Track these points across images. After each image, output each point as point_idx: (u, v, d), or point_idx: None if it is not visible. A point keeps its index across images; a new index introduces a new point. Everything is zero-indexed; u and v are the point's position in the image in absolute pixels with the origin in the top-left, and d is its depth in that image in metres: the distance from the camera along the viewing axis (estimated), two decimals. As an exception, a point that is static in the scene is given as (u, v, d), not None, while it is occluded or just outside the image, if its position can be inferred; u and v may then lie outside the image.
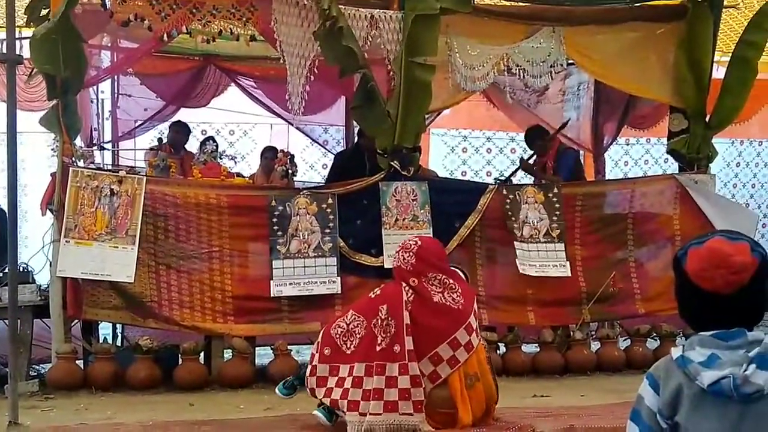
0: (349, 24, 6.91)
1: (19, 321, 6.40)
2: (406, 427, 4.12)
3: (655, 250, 7.82)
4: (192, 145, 8.80)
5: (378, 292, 4.41)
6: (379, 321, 4.18)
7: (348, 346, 4.30)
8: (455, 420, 4.19)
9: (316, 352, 4.53)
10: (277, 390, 5.03)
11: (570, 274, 7.48)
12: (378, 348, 4.18)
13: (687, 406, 1.99)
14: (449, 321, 4.19)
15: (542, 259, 7.45)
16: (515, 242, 7.38)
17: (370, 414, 4.14)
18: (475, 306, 4.36)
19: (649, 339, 7.59)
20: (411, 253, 4.28)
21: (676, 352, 2.06)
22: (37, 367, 7.22)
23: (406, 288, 4.23)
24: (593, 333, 7.79)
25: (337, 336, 4.36)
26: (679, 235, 7.72)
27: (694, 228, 7.38)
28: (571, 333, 7.41)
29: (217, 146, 7.98)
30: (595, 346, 7.59)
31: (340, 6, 6.91)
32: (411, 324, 4.15)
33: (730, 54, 8.09)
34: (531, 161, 8.77)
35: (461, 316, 4.21)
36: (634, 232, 7.80)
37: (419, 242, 4.38)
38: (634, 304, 7.65)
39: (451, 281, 4.29)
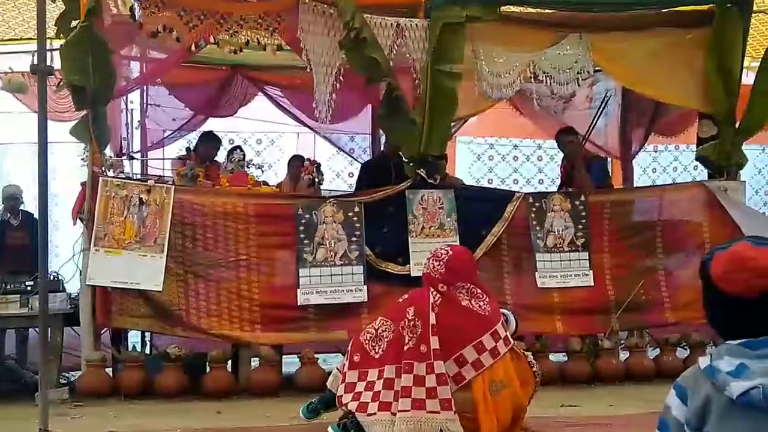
0: (374, 33, 6.93)
1: (49, 329, 6.48)
2: (433, 425, 4.13)
3: (685, 258, 7.74)
4: (219, 155, 8.86)
5: (405, 297, 4.45)
6: (407, 322, 4.21)
7: (377, 350, 4.33)
8: (477, 426, 4.17)
9: (347, 360, 4.55)
10: (300, 413, 5.04)
11: (593, 284, 7.44)
12: (406, 348, 4.20)
13: (715, 417, 1.96)
14: (475, 324, 4.21)
15: (564, 269, 7.42)
16: (537, 253, 7.37)
17: (400, 411, 4.16)
18: (503, 318, 4.36)
19: (678, 348, 7.51)
20: (441, 263, 4.31)
21: (704, 361, 2.03)
22: (67, 375, 7.28)
23: (434, 292, 4.26)
24: (622, 342, 7.72)
25: (366, 341, 4.40)
26: (709, 243, 7.63)
27: (723, 236, 7.29)
28: (600, 342, 7.35)
29: (244, 155, 8.03)
30: (624, 355, 7.52)
31: (366, 15, 6.94)
32: (437, 325, 4.16)
33: (760, 59, 8.00)
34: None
35: (487, 322, 4.23)
36: (663, 240, 7.73)
37: (450, 252, 4.39)
38: (663, 313, 7.58)
39: (479, 290, 4.31)
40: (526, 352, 4.52)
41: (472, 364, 4.13)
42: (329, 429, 4.59)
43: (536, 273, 7.36)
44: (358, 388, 4.39)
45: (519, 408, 4.33)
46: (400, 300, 4.48)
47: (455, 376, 4.16)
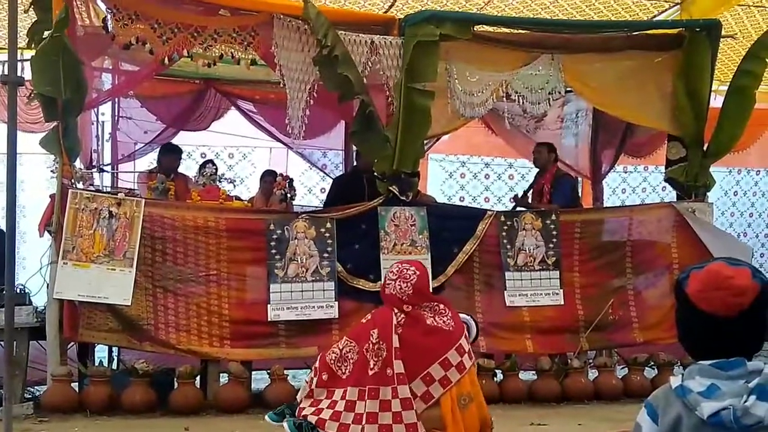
0: (348, 50, 6.95)
1: (15, 343, 6.37)
2: None
3: (653, 278, 7.82)
4: (189, 168, 8.79)
5: (369, 317, 4.41)
6: (371, 345, 4.17)
7: (343, 371, 4.29)
8: None
9: (315, 376, 4.51)
10: (267, 417, 4.99)
11: (563, 303, 7.48)
12: (370, 372, 4.16)
13: (686, 437, 1.98)
14: (440, 341, 4.18)
15: (535, 288, 7.46)
16: (506, 272, 7.41)
17: None
18: (466, 331, 4.35)
19: (646, 368, 7.57)
20: (409, 285, 4.24)
21: (675, 381, 2.05)
22: (32, 390, 7.17)
23: (398, 313, 4.22)
24: (591, 361, 7.77)
25: (332, 362, 4.36)
26: (677, 263, 7.73)
27: (692, 256, 7.39)
28: (569, 361, 7.38)
29: (216, 169, 7.98)
30: (592, 374, 7.56)
31: (340, 31, 6.95)
32: (402, 346, 4.14)
33: (728, 83, 8.14)
34: (526, 194, 8.71)
35: (452, 337, 4.19)
36: (632, 260, 7.80)
37: (417, 272, 4.34)
38: (631, 332, 7.64)
39: (441, 306, 4.29)
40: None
41: (440, 381, 4.10)
42: (267, 417, 4.49)
43: (505, 291, 7.39)
44: (321, 404, 4.36)
45: (484, 420, 4.31)
46: (364, 320, 4.43)
47: (423, 395, 4.13)
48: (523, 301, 7.40)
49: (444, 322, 4.21)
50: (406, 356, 4.12)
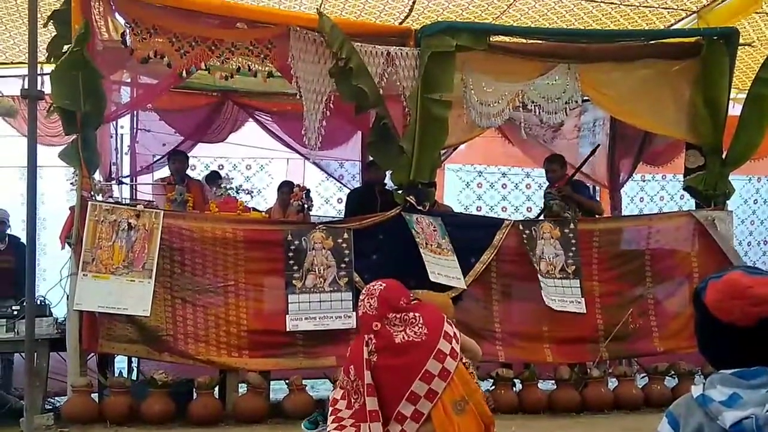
0: (363, 61, 6.98)
1: (35, 354, 6.44)
2: None
3: (673, 287, 7.77)
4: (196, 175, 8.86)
5: (348, 352, 4.35)
6: (350, 382, 4.13)
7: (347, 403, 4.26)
8: None
9: (331, 407, 4.46)
10: (302, 425, 5.00)
11: (585, 311, 7.44)
12: (352, 409, 4.13)
13: (708, 446, 1.97)
14: (415, 356, 4.06)
15: (560, 295, 7.42)
16: (539, 276, 7.37)
17: None
18: (448, 327, 4.23)
19: (667, 377, 7.51)
20: (375, 298, 4.18)
21: (696, 390, 2.04)
22: (53, 401, 7.22)
23: (368, 339, 4.14)
24: (610, 370, 7.72)
25: (340, 394, 4.32)
26: (697, 273, 7.67)
27: (712, 265, 7.32)
28: (588, 370, 7.34)
29: (223, 180, 8.06)
30: (612, 383, 7.51)
31: (356, 43, 6.98)
32: (379, 375, 4.05)
33: (746, 91, 8.09)
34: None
35: (427, 347, 4.07)
36: (651, 269, 7.75)
37: (383, 285, 4.28)
38: (652, 342, 7.59)
39: (411, 315, 4.17)
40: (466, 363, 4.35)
41: (425, 396, 4.02)
42: (303, 426, 4.51)
43: (542, 292, 7.32)
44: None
45: (484, 415, 4.22)
46: (348, 353, 4.38)
47: (413, 415, 4.05)
48: (555, 305, 7.34)
49: (416, 333, 4.09)
50: (385, 383, 4.05)
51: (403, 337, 4.05)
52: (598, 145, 9.16)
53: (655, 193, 11.67)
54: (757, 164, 10.06)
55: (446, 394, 4.03)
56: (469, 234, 7.52)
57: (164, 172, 9.37)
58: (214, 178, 8.82)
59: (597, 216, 8.37)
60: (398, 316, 4.11)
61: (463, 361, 4.20)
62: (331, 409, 4.39)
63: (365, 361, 4.05)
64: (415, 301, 4.37)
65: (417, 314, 4.15)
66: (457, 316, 4.76)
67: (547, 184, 8.84)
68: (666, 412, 2.10)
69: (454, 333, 4.18)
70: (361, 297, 4.22)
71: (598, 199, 9.39)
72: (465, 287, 7.08)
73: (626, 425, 6.52)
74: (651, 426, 2.15)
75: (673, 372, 7.50)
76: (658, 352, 7.61)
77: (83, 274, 6.52)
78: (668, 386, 7.42)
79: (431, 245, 7.13)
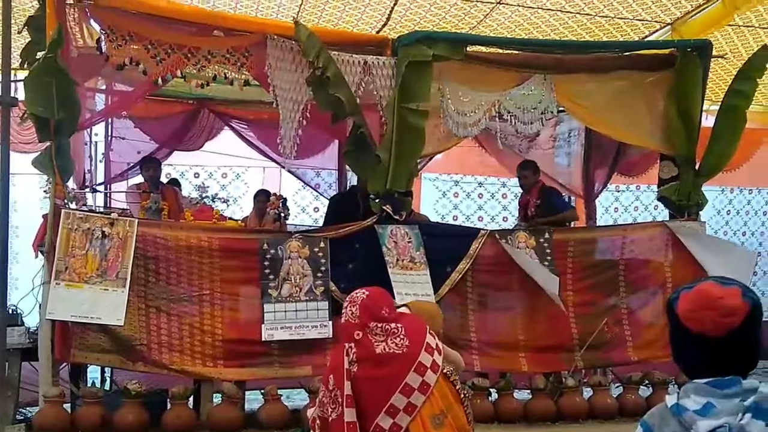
0: (340, 70, 6.98)
1: (7, 363, 6.36)
2: None
3: (647, 297, 7.82)
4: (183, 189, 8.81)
5: (328, 361, 4.32)
6: (329, 392, 4.10)
7: (326, 415, 4.23)
8: None
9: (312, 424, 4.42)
10: None
11: (564, 310, 7.46)
12: (330, 419, 4.10)
13: (682, 455, 1.98)
14: (395, 368, 4.03)
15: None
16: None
17: None
18: (431, 339, 4.21)
19: (641, 386, 7.55)
20: (357, 306, 4.15)
21: (670, 400, 2.05)
22: (24, 411, 7.12)
23: (348, 347, 4.11)
24: (585, 380, 7.75)
25: (319, 407, 4.29)
26: (671, 282, 7.73)
27: (686, 275, 7.39)
28: (564, 380, 7.36)
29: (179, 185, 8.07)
30: (587, 393, 7.54)
31: (333, 52, 6.98)
32: (359, 386, 4.03)
33: (720, 103, 8.19)
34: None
35: (408, 359, 4.05)
36: (625, 279, 7.80)
37: (366, 293, 4.26)
38: (626, 351, 7.63)
39: (393, 326, 4.14)
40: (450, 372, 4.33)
41: (404, 410, 3.99)
42: None
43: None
44: None
45: (463, 429, 4.20)
46: (327, 363, 4.35)
47: (391, 428, 4.04)
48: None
49: (396, 344, 4.06)
50: (365, 394, 4.02)
51: (384, 348, 4.02)
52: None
53: (629, 203, 11.78)
54: (730, 175, 10.21)
55: (425, 408, 4.01)
56: (446, 243, 7.53)
57: (138, 179, 9.32)
58: (173, 184, 8.81)
59: (572, 222, 8.42)
60: (380, 326, 4.08)
61: (446, 371, 4.18)
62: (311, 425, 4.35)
63: (345, 371, 4.03)
64: (402, 308, 4.36)
65: (399, 325, 4.12)
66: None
67: (521, 192, 8.89)
68: (640, 421, 2.11)
69: (437, 345, 4.15)
70: (344, 304, 4.20)
71: (573, 205, 9.44)
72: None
73: (601, 434, 6.55)
74: (625, 435, 2.16)
75: (647, 381, 7.54)
76: (632, 362, 7.65)
77: (56, 283, 6.44)
78: (642, 396, 7.46)
79: (403, 260, 7.13)
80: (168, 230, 7.00)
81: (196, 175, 10.16)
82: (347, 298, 4.19)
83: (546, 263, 7.55)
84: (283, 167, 10.22)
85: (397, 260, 7.11)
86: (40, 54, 6.65)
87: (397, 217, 7.23)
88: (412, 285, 7.02)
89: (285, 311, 6.87)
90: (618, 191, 11.63)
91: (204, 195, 8.11)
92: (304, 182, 10.60)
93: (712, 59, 8.20)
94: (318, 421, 4.19)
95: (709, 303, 2.02)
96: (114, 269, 6.60)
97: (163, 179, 9.04)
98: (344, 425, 3.95)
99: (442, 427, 4.02)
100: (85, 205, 7.39)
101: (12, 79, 6.72)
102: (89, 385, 7.13)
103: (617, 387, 7.81)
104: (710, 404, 1.97)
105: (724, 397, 1.97)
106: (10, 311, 6.70)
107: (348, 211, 7.69)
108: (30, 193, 8.95)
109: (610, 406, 7.30)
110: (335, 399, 4.02)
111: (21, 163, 7.34)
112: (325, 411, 4.09)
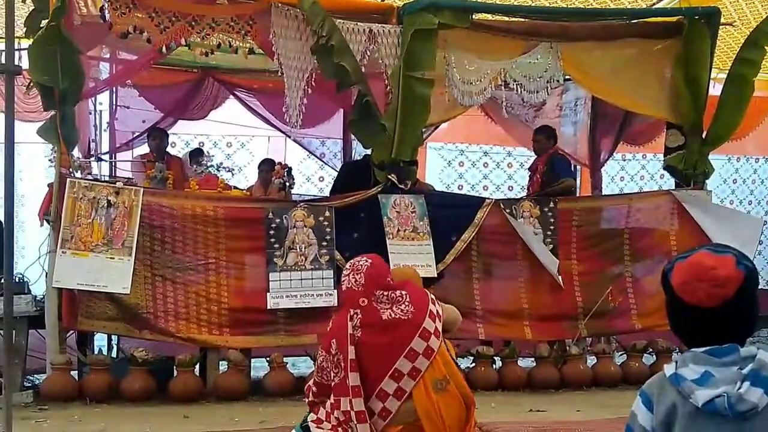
0: (345, 39, 6.94)
1: (14, 331, 6.40)
2: None
3: (652, 266, 7.81)
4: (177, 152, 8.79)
5: (330, 326, 4.33)
6: (331, 357, 4.12)
7: (326, 380, 4.25)
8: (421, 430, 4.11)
9: (308, 392, 4.43)
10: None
11: (562, 287, 7.48)
12: (333, 384, 4.13)
13: (681, 425, 1.98)
14: (401, 333, 4.08)
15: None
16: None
17: None
18: (433, 306, 4.23)
19: (645, 354, 7.59)
20: (361, 274, 4.17)
21: (669, 369, 2.05)
22: (32, 378, 7.20)
23: (353, 313, 4.13)
24: (589, 348, 7.79)
25: (317, 374, 4.30)
26: (676, 251, 7.70)
27: (691, 243, 7.36)
28: (568, 348, 7.40)
29: (207, 159, 8.02)
30: (591, 361, 7.58)
31: (338, 20, 6.94)
32: (363, 351, 4.05)
33: (727, 71, 8.12)
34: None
35: (413, 325, 4.09)
36: (630, 248, 7.81)
37: (370, 261, 4.27)
38: (630, 319, 7.65)
39: (397, 293, 4.17)
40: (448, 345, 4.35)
41: (409, 374, 4.03)
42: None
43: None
44: (320, 413, 4.32)
45: (466, 396, 4.24)
46: (328, 328, 4.36)
47: (395, 392, 4.06)
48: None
49: (402, 310, 4.10)
50: (369, 359, 4.05)
51: (390, 314, 4.06)
52: None
53: (635, 172, 11.73)
54: (737, 144, 10.14)
55: (428, 372, 4.05)
56: (451, 212, 7.54)
57: (144, 149, 9.32)
58: (196, 154, 8.75)
59: (571, 190, 8.41)
60: (385, 294, 4.12)
61: (443, 342, 4.22)
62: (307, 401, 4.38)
63: (349, 336, 4.06)
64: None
65: (404, 292, 4.16)
66: (437, 294, 4.77)
67: (532, 159, 8.84)
68: (639, 391, 2.12)
69: (438, 312, 4.20)
70: (345, 272, 4.22)
71: (573, 174, 9.36)
72: (435, 275, 7.08)
73: (604, 401, 6.59)
74: (628, 402, 2.17)
75: (651, 349, 7.58)
76: (636, 330, 7.68)
77: (62, 252, 6.49)
78: (646, 363, 7.51)
79: (405, 230, 7.14)
80: (173, 199, 7.03)
81: (201, 144, 10.14)
82: (348, 265, 4.23)
83: (549, 232, 7.55)
84: (289, 136, 10.19)
85: (398, 231, 7.12)
86: (43, 22, 6.62)
87: (402, 186, 7.23)
88: (414, 255, 7.03)
89: (290, 280, 6.91)
90: (624, 160, 11.57)
91: (209, 164, 8.10)
92: (309, 151, 10.57)
93: (721, 27, 8.12)
94: (314, 388, 4.23)
95: (702, 274, 2.00)
96: (120, 238, 6.64)
97: (181, 149, 9.03)
98: (348, 389, 3.99)
99: (444, 392, 4.06)
100: (90, 174, 7.42)
101: (16, 47, 6.69)
102: (96, 352, 7.19)
103: (621, 355, 7.86)
104: (708, 373, 1.97)
105: (722, 365, 1.97)
106: (17, 279, 6.74)
107: (360, 180, 7.64)
108: (36, 163, 8.97)
109: (614, 373, 7.35)
110: (338, 363, 4.06)
111: (26, 132, 7.33)
112: (325, 376, 4.13)
